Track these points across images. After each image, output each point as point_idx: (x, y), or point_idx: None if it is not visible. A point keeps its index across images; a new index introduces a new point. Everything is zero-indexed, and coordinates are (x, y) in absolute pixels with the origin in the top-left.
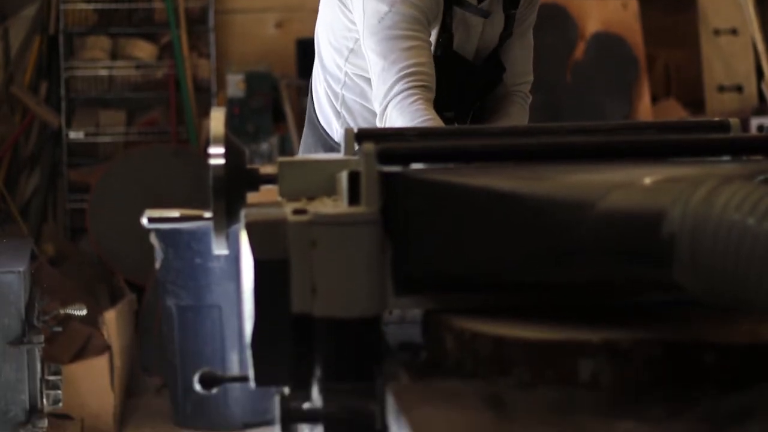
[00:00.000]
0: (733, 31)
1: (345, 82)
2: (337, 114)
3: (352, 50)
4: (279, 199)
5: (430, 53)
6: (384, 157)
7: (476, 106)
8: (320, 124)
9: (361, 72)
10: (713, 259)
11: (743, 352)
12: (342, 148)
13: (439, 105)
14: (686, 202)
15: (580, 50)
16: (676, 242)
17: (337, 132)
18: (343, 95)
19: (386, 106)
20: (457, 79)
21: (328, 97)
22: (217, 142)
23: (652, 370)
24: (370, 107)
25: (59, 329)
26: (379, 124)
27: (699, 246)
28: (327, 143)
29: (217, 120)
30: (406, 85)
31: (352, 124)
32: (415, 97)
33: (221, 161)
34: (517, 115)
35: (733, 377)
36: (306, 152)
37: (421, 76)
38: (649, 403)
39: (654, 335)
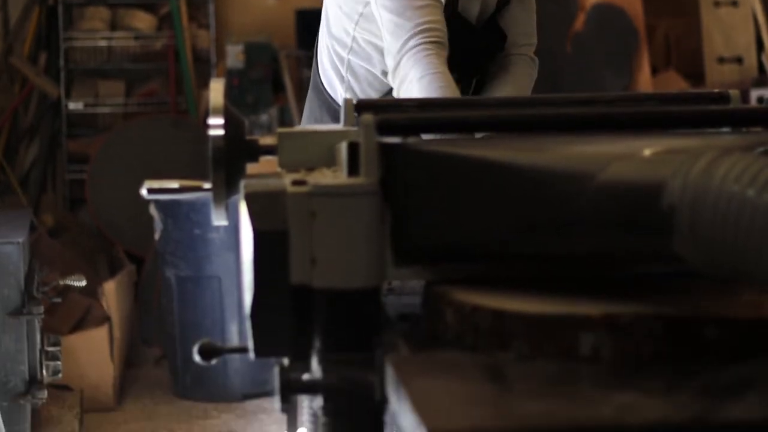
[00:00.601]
0: (733, 3)
1: (352, 47)
2: (342, 78)
3: (362, 14)
4: (278, 170)
5: (442, 13)
6: (383, 128)
7: (478, 73)
8: (324, 88)
9: (369, 37)
10: (713, 231)
11: (744, 326)
12: (341, 119)
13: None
14: (686, 174)
15: (580, 21)
16: (676, 214)
17: (341, 96)
18: (348, 60)
19: (400, 60)
20: (460, 41)
21: (333, 62)
22: (216, 113)
23: (653, 345)
24: (375, 72)
25: (59, 300)
26: (391, 79)
27: (699, 217)
28: (331, 107)
29: (216, 91)
30: (421, 41)
31: (356, 89)
32: (429, 51)
33: (220, 132)
34: (521, 76)
35: (735, 351)
36: (310, 117)
37: (435, 32)
38: (649, 376)
39: (655, 309)
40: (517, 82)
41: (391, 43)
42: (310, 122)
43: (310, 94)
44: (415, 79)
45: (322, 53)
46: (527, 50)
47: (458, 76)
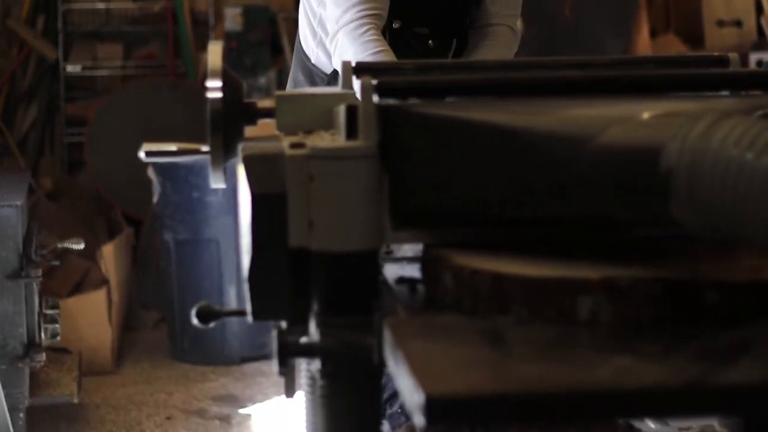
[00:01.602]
0: None
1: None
2: (314, 34)
3: None
4: (276, 132)
5: None
6: (382, 91)
7: (456, 35)
8: (300, 45)
9: None
10: (711, 194)
11: (744, 289)
12: (340, 82)
13: (413, 20)
14: (684, 137)
15: None
16: (674, 177)
17: (313, 52)
18: (320, 14)
19: (338, 31)
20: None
21: (307, 17)
22: (214, 76)
23: (652, 308)
24: None
25: (57, 263)
26: (329, 47)
27: (697, 181)
28: (306, 65)
29: (214, 54)
30: (359, 14)
31: (326, 44)
32: (367, 27)
33: (219, 95)
34: (500, 46)
35: (733, 315)
36: (292, 79)
37: (373, 3)
38: (647, 339)
39: (654, 273)
40: (496, 54)
41: (331, 8)
42: (291, 81)
43: (294, 54)
44: (352, 59)
45: (300, 10)
46: (510, 21)
47: (429, 30)
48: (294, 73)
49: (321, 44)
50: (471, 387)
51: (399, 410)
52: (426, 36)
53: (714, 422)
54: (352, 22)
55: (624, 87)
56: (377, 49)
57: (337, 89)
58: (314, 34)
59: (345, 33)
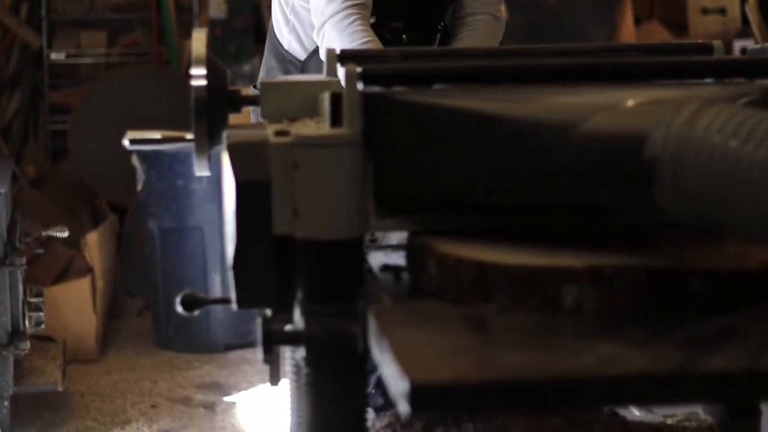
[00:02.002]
0: None
1: None
2: (287, 20)
3: None
4: (261, 120)
5: None
6: (366, 79)
7: (433, 27)
8: (273, 32)
9: None
10: (695, 182)
11: (728, 278)
12: (324, 70)
13: (388, 14)
14: (669, 125)
15: None
16: (659, 165)
17: (286, 38)
18: (293, 2)
19: (324, 23)
20: None
21: (280, 3)
22: (198, 64)
23: (637, 297)
24: None
25: (41, 251)
26: (316, 39)
27: (681, 168)
28: (278, 51)
29: (198, 41)
30: (344, 5)
31: (300, 31)
32: (353, 18)
33: (203, 83)
34: (484, 35)
35: (718, 302)
36: (265, 65)
37: None
38: (631, 327)
39: (638, 261)
40: (479, 42)
41: (316, 0)
42: (264, 68)
43: (267, 40)
44: (342, 46)
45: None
46: (492, 9)
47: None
48: (267, 59)
49: (293, 31)
50: (456, 375)
51: (373, 390)
52: (401, 30)
53: (698, 409)
54: (338, 13)
55: (608, 75)
56: (364, 40)
57: (321, 77)
58: (287, 20)
59: (332, 24)
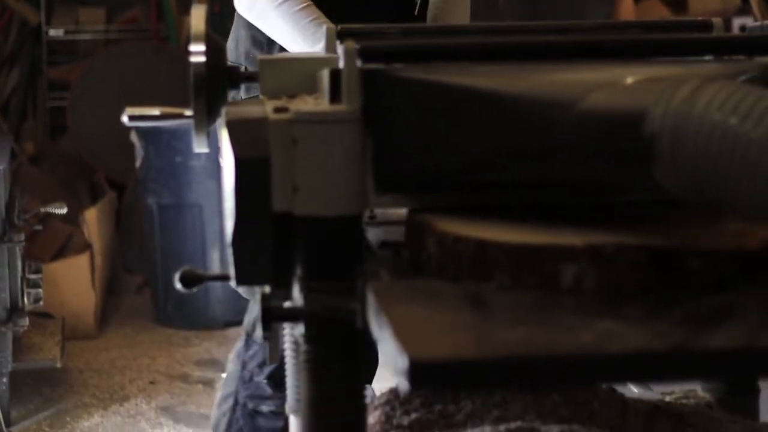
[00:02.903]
0: None
1: None
2: None
3: None
4: (259, 97)
5: None
6: (365, 55)
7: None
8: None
9: None
10: (694, 160)
11: (728, 256)
12: (323, 47)
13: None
14: (668, 102)
15: None
16: (658, 142)
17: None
18: None
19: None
20: None
21: None
22: (197, 40)
23: (636, 275)
24: None
25: (40, 228)
26: (247, 14)
27: (680, 146)
28: (246, 21)
29: (197, 17)
30: None
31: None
32: None
33: (202, 59)
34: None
35: (718, 281)
36: (234, 37)
37: None
38: (631, 305)
39: (638, 240)
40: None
41: None
42: (232, 40)
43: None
44: (270, 7)
45: None
46: None
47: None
48: (236, 29)
49: None
50: (455, 351)
51: (265, 381)
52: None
53: (697, 387)
54: None
55: (607, 52)
56: (310, 18)
57: (321, 53)
58: None
59: (272, 6)
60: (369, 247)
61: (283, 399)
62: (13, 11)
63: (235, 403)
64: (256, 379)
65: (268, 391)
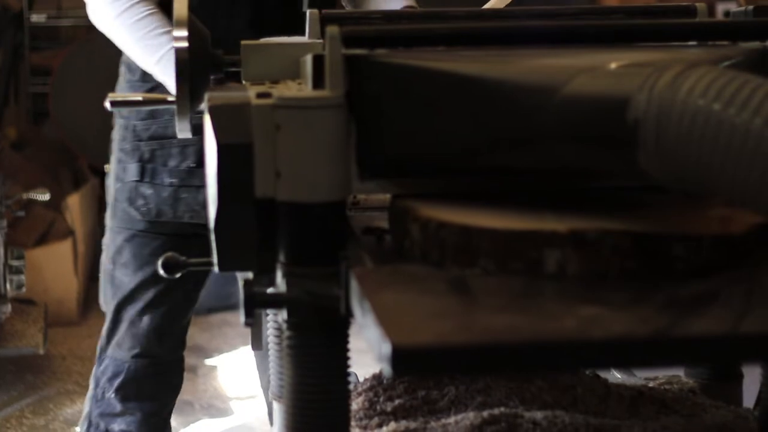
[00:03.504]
0: None
1: None
2: None
3: None
4: (243, 82)
5: None
6: (349, 41)
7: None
8: None
9: None
10: (678, 145)
11: (712, 242)
12: (306, 32)
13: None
14: (651, 88)
15: None
16: (641, 128)
17: None
18: None
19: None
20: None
21: None
22: (180, 26)
23: (620, 261)
24: None
25: (22, 214)
26: (93, 18)
27: (664, 132)
28: None
29: (180, 3)
30: None
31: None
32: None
33: (184, 45)
34: None
35: (702, 267)
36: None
37: None
38: (614, 291)
39: (622, 225)
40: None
41: None
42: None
43: None
44: (111, 18)
45: None
46: None
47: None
48: None
49: None
50: (438, 338)
51: (113, 395)
52: None
53: (680, 372)
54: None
55: (591, 37)
56: (152, 27)
57: (304, 39)
58: None
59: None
60: (352, 233)
61: (134, 416)
62: None
63: (89, 424)
64: (107, 395)
65: (118, 407)
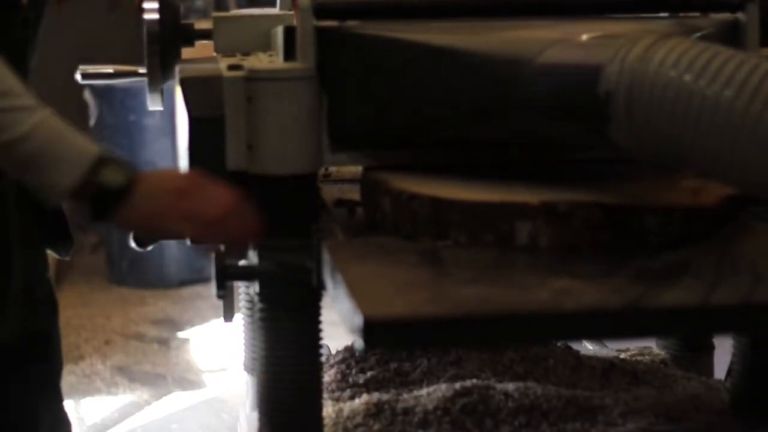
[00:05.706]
0: None
1: None
2: None
3: None
4: (214, 54)
5: None
6: (320, 13)
7: None
8: None
9: None
10: (649, 118)
11: (682, 214)
12: (278, 3)
13: None
14: (623, 59)
15: None
16: (613, 100)
17: None
18: None
19: None
20: None
21: None
22: None
23: (591, 233)
24: None
25: None
26: None
27: (635, 104)
28: None
29: None
30: None
31: None
32: None
33: (155, 17)
34: None
35: (673, 238)
36: None
37: None
38: (586, 262)
39: (593, 197)
40: None
41: None
42: None
43: None
44: None
45: None
46: None
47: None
48: None
49: None
50: (410, 309)
51: None
52: None
53: (652, 344)
54: None
55: (564, 8)
56: None
57: (275, 10)
58: None
59: None
60: (324, 205)
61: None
62: None
63: None
64: None
65: None
